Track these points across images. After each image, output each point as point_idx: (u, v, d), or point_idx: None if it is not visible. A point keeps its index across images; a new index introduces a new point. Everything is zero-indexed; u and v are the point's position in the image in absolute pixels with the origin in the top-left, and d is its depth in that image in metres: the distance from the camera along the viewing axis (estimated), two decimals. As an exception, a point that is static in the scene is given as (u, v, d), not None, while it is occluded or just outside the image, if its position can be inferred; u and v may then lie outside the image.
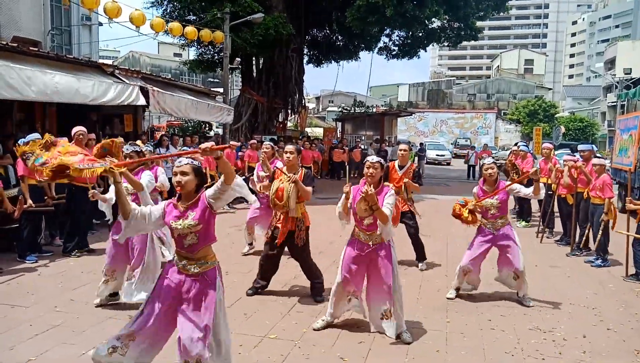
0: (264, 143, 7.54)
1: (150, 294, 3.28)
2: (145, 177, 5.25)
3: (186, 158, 3.18)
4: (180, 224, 3.15)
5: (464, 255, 5.70)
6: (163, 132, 17.34)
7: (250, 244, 7.65)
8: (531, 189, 5.48)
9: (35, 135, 7.02)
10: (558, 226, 9.31)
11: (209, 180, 10.69)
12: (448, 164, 33.84)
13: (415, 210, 7.01)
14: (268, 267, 5.62)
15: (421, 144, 24.68)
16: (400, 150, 6.86)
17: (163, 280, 3.26)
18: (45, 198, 7.10)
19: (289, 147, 5.49)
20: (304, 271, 5.66)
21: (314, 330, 4.62)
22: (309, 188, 5.39)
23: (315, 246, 6.14)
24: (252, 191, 7.57)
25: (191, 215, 3.15)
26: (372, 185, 4.28)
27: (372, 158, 4.48)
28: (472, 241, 5.67)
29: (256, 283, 5.68)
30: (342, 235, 5.99)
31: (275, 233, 5.43)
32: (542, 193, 5.60)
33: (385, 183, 4.64)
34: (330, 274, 6.01)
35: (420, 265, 6.99)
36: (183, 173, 3.13)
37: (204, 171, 3.21)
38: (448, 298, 5.64)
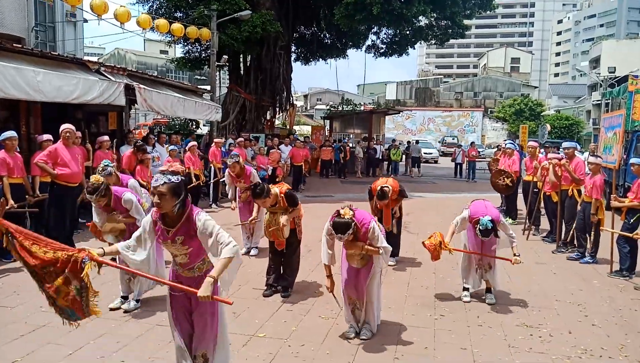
0: (231, 160, 7.34)
1: (170, 312, 3.32)
2: (130, 197, 5.07)
3: (165, 171, 3.00)
4: (170, 247, 3.11)
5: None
6: (147, 131, 17.18)
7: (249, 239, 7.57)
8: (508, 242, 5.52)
9: (10, 133, 6.95)
10: (544, 223, 9.40)
11: (194, 180, 10.69)
12: (435, 162, 34.02)
13: (400, 210, 7.12)
14: (276, 265, 5.79)
15: (408, 142, 24.77)
16: (394, 147, 7.03)
17: (170, 295, 3.27)
18: (27, 196, 7.00)
19: (256, 192, 5.40)
20: (284, 263, 5.76)
21: (348, 338, 4.49)
22: (297, 210, 5.58)
23: (303, 244, 6.13)
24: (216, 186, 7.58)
25: (179, 239, 3.04)
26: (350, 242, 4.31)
27: (343, 236, 4.14)
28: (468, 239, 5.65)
29: (267, 281, 5.76)
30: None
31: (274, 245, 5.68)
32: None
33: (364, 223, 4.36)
34: (318, 272, 6.03)
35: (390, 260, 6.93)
36: (160, 194, 2.91)
37: (183, 189, 2.97)
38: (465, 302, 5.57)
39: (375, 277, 4.48)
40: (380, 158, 22.13)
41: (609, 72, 43.23)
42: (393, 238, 6.92)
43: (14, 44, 8.80)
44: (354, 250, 4.33)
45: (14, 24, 14.24)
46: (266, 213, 5.61)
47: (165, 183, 2.93)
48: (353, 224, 4.13)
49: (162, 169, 3.08)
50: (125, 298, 5.11)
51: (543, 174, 8.56)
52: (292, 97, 23.68)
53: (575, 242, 7.78)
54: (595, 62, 62.12)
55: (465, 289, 5.71)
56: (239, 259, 3.01)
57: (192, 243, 3.04)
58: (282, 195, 5.47)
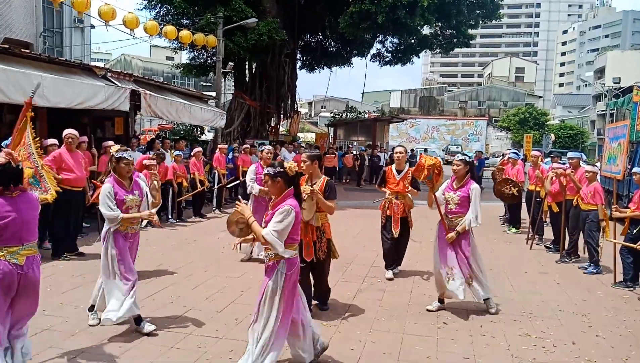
0: (265, 147, 7.43)
1: None
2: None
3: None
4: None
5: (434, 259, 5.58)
6: (153, 136, 17.28)
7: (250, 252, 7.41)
8: (475, 218, 5.25)
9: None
10: (548, 233, 9.38)
11: (199, 186, 10.75)
12: (439, 170, 33.91)
13: (410, 218, 6.77)
14: (305, 284, 4.93)
15: (412, 150, 24.77)
16: (396, 153, 6.68)
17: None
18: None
19: (303, 156, 5.16)
20: (316, 288, 5.25)
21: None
22: (331, 203, 4.98)
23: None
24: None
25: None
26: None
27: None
28: (436, 244, 5.55)
29: None
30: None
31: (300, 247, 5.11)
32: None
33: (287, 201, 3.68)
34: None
35: (390, 269, 6.75)
36: None
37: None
38: (428, 310, 5.43)
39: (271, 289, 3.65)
40: (384, 165, 22.12)
41: (614, 83, 43.13)
42: (401, 247, 6.79)
43: (22, 49, 8.87)
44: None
45: (23, 29, 14.38)
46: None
47: None
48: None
49: None
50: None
51: (552, 181, 8.49)
52: (296, 104, 23.77)
53: (587, 253, 7.72)
54: (600, 72, 62.05)
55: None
56: None
57: None
58: (325, 178, 5.12)
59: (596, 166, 7.72)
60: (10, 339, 3.46)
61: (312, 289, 5.25)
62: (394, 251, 6.72)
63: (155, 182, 4.95)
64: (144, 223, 4.83)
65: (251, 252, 7.46)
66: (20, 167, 3.48)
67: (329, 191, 4.99)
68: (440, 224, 5.54)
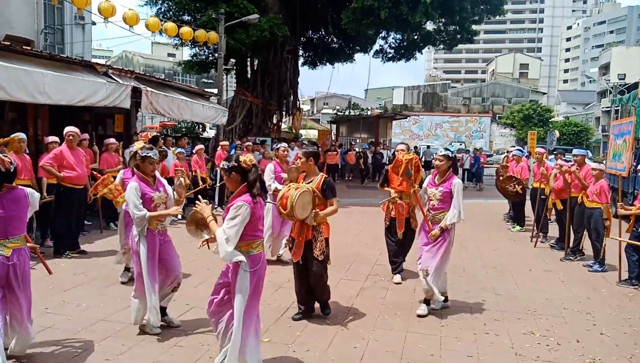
0: (281, 145, 7.21)
1: None
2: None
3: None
4: None
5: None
6: (155, 133, 17.27)
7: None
8: (457, 213, 5.10)
9: (19, 135, 6.98)
10: (552, 231, 9.32)
11: (200, 183, 10.72)
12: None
13: (416, 217, 6.34)
14: (298, 287, 5.00)
15: (415, 148, 24.71)
16: (397, 151, 6.34)
17: None
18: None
19: (299, 152, 4.97)
20: (316, 291, 4.97)
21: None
22: (332, 203, 4.78)
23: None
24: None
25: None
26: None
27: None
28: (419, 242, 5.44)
29: (298, 307, 5.08)
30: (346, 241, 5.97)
31: (292, 246, 4.89)
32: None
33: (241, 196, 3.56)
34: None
35: (398, 274, 6.47)
36: None
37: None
38: (419, 316, 5.15)
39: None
40: (387, 162, 22.07)
41: (619, 79, 42.96)
42: (407, 243, 6.48)
43: (24, 47, 8.85)
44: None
45: (24, 26, 14.36)
46: (287, 188, 4.70)
47: None
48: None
49: None
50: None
51: (557, 177, 8.42)
52: (298, 101, 23.73)
53: (592, 251, 7.66)
54: (605, 68, 61.83)
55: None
56: None
57: None
58: (323, 176, 4.88)
59: (603, 163, 7.65)
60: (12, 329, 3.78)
61: (306, 292, 4.98)
62: (400, 253, 6.50)
63: (182, 179, 4.74)
64: (169, 220, 4.73)
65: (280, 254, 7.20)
66: (11, 170, 3.68)
67: (327, 190, 4.78)
68: (423, 222, 5.38)
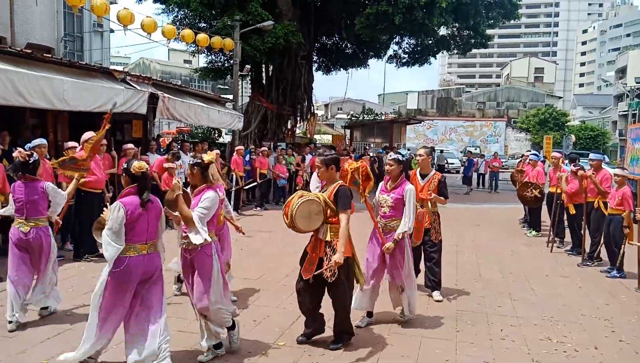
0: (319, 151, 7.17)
1: None
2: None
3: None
4: None
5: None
6: (171, 138, 17.45)
7: None
8: (408, 221, 4.84)
9: (40, 140, 7.12)
10: (569, 236, 9.23)
11: (239, 182, 10.79)
12: (457, 172, 33.73)
13: (439, 228, 6.02)
14: (303, 306, 4.45)
15: (433, 149, 24.64)
16: (417, 155, 5.92)
17: None
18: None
19: (317, 160, 4.54)
20: (335, 319, 4.45)
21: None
22: (344, 214, 4.20)
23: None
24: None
25: None
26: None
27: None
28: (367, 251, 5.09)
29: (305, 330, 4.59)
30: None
31: (303, 261, 4.39)
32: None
33: (210, 185, 4.11)
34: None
35: (434, 293, 6.01)
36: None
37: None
38: (356, 326, 4.82)
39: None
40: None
41: (636, 83, 42.39)
42: (435, 265, 6.04)
43: (45, 54, 9.05)
44: None
45: (45, 34, 14.68)
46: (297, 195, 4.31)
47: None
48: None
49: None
50: None
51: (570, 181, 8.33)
52: (313, 106, 23.81)
53: (608, 257, 7.57)
54: (622, 72, 60.95)
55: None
56: None
57: None
58: (340, 184, 4.38)
59: (625, 169, 7.52)
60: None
61: (316, 315, 4.49)
62: (418, 262, 6.02)
63: (175, 181, 4.61)
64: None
65: None
66: (30, 161, 4.71)
67: (339, 200, 4.24)
68: (374, 229, 5.02)
